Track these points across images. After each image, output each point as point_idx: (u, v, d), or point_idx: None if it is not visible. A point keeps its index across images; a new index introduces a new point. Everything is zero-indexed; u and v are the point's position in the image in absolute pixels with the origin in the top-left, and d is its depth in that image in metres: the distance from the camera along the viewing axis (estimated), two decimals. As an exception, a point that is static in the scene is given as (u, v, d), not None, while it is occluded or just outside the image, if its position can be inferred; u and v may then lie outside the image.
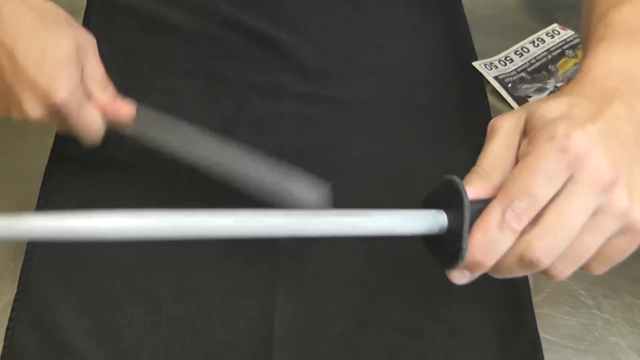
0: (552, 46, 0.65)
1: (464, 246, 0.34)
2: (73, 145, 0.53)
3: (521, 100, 0.60)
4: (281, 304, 0.46)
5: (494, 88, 0.61)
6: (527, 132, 0.36)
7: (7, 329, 0.44)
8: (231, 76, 0.58)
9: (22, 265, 0.46)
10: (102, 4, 0.62)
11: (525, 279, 0.48)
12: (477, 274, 0.36)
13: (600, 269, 0.36)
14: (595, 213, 0.33)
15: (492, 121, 0.37)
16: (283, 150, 0.53)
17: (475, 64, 0.62)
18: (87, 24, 0.61)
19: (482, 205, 0.35)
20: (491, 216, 0.34)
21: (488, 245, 0.34)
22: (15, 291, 0.45)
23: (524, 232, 0.34)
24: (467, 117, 0.57)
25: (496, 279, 0.48)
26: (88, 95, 0.44)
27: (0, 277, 0.47)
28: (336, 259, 0.48)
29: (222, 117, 0.55)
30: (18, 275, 0.46)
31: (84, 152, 0.51)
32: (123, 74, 0.57)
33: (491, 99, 0.60)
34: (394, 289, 0.47)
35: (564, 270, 0.35)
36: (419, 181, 0.52)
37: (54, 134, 0.53)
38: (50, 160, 0.52)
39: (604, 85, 0.37)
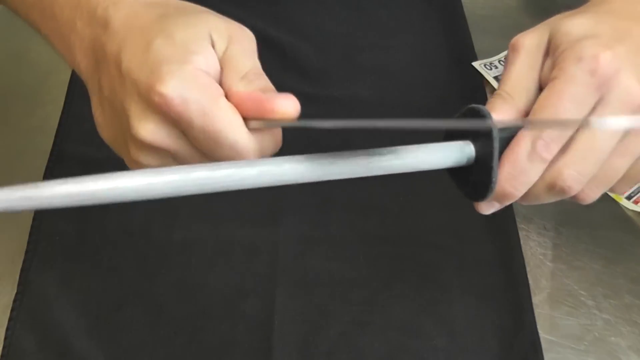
0: (552, 46, 0.65)
1: (493, 179, 0.33)
2: (73, 145, 0.53)
3: (521, 100, 0.60)
4: (281, 304, 0.46)
5: (493, 88, 0.61)
6: (551, 50, 0.34)
7: (7, 329, 0.44)
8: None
9: (22, 265, 0.46)
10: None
11: (525, 279, 0.48)
12: (506, 204, 0.35)
13: (625, 189, 0.36)
14: (624, 135, 0.32)
15: (513, 39, 0.36)
16: (283, 150, 0.53)
17: (475, 64, 0.62)
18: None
19: (509, 133, 0.33)
20: (520, 147, 0.33)
21: (518, 177, 0.33)
22: (15, 291, 0.45)
23: (553, 159, 0.33)
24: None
25: (496, 280, 0.48)
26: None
27: (0, 277, 0.47)
28: (336, 259, 0.48)
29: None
30: (18, 275, 0.46)
31: (84, 152, 0.51)
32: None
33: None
34: (394, 289, 0.47)
35: (592, 194, 0.34)
36: (418, 181, 0.52)
37: (54, 134, 0.53)
38: (50, 160, 0.52)
39: (630, 2, 0.35)
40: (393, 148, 0.35)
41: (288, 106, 0.33)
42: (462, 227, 0.50)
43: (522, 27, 0.69)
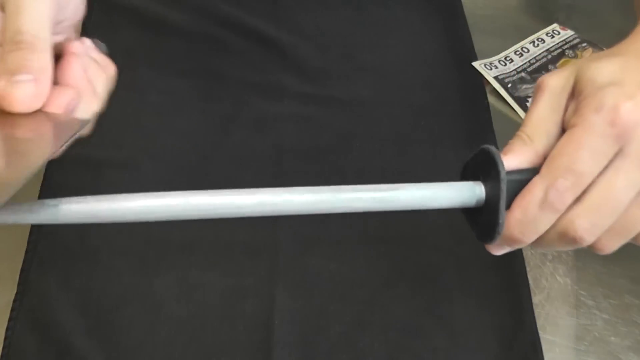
0: (552, 46, 0.65)
1: (500, 221, 0.33)
2: (73, 146, 0.53)
3: (521, 101, 0.60)
4: (281, 304, 0.46)
5: (493, 88, 0.61)
6: (575, 94, 0.34)
7: (7, 329, 0.44)
8: (231, 76, 0.58)
9: (22, 265, 0.46)
10: (102, 4, 0.62)
11: (525, 279, 0.48)
12: (517, 247, 0.35)
13: None
14: None
15: (539, 79, 0.35)
16: (283, 150, 0.53)
17: (475, 64, 0.62)
18: (87, 23, 0.61)
19: (523, 176, 0.33)
20: (532, 194, 0.32)
21: (527, 224, 0.33)
22: (15, 291, 0.45)
23: (567, 208, 0.32)
24: (467, 117, 0.57)
25: (496, 280, 0.48)
26: None
27: (0, 277, 0.47)
28: (336, 259, 0.48)
29: (222, 117, 0.55)
30: (18, 275, 0.46)
31: (84, 152, 0.51)
32: (123, 73, 0.57)
33: (491, 99, 0.60)
34: (394, 289, 0.47)
35: (610, 245, 0.34)
36: (418, 181, 0.52)
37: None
38: (50, 161, 0.52)
39: None
40: (401, 185, 0.34)
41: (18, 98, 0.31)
42: (462, 228, 0.50)
43: (522, 27, 0.69)
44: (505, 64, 0.63)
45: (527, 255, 0.50)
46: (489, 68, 0.62)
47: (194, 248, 0.48)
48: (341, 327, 0.45)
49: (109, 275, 0.46)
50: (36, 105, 0.32)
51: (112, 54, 0.60)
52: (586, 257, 0.50)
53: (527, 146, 0.34)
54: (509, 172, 0.33)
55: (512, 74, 0.62)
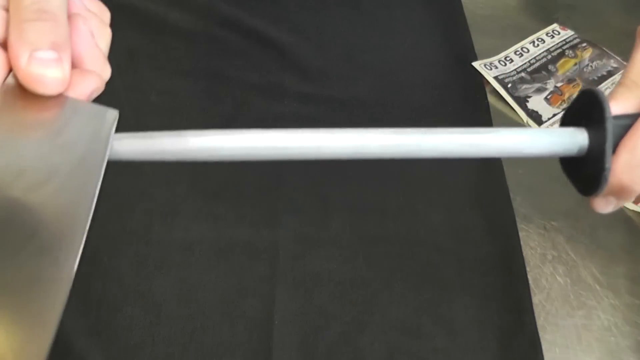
0: (552, 46, 0.65)
1: (606, 165, 0.30)
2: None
3: (521, 101, 0.60)
4: (281, 304, 0.46)
5: (493, 88, 0.61)
6: None
7: (7, 329, 0.44)
8: (231, 76, 0.58)
9: (22, 265, 0.46)
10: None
11: (525, 279, 0.48)
12: (625, 201, 0.32)
13: None
14: None
15: None
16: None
17: (475, 64, 0.62)
18: (87, 24, 0.61)
19: (630, 121, 0.30)
20: None
21: (636, 167, 0.30)
22: (15, 291, 0.45)
23: None
24: (467, 117, 0.57)
25: (496, 280, 0.48)
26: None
27: (0, 277, 0.47)
28: (336, 259, 0.48)
29: (222, 117, 0.55)
30: (18, 275, 0.46)
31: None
32: (123, 74, 0.57)
33: (491, 99, 0.60)
34: (394, 289, 0.47)
35: None
36: (418, 181, 0.52)
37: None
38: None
39: None
40: (495, 128, 0.31)
41: (40, 79, 0.28)
42: (462, 227, 0.50)
43: (522, 27, 0.69)
44: (505, 64, 0.63)
45: (527, 255, 0.50)
46: (489, 68, 0.62)
47: (194, 248, 0.48)
48: (341, 327, 0.45)
49: (109, 275, 0.46)
50: (61, 89, 0.29)
51: (112, 55, 0.60)
52: (586, 257, 0.50)
53: (631, 92, 0.32)
54: (615, 117, 0.30)
55: (512, 74, 0.62)
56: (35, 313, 0.26)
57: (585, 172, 0.32)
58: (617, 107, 0.31)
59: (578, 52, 0.64)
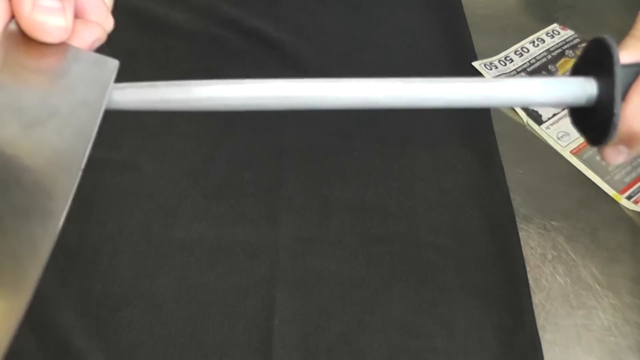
0: (552, 46, 0.65)
1: (615, 111, 0.29)
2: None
3: (521, 100, 0.60)
4: (281, 304, 0.46)
5: (494, 88, 0.61)
6: None
7: (7, 329, 0.44)
8: (231, 76, 0.58)
9: (22, 265, 0.46)
10: (102, 4, 0.62)
11: (525, 279, 0.48)
12: (635, 150, 0.31)
13: None
14: None
15: None
16: (283, 150, 0.53)
17: (475, 64, 0.62)
18: (87, 24, 0.61)
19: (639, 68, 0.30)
20: None
21: None
22: (15, 291, 0.45)
23: None
24: (467, 117, 0.57)
25: (496, 280, 0.48)
26: None
27: (0, 277, 0.47)
28: (336, 259, 0.48)
29: (222, 117, 0.55)
30: (18, 275, 0.46)
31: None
32: (123, 74, 0.57)
33: (491, 99, 0.60)
34: (394, 289, 0.47)
35: None
36: (418, 181, 0.52)
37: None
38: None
39: None
40: (502, 79, 0.31)
41: (43, 25, 0.28)
42: (462, 227, 0.50)
43: (522, 27, 0.69)
44: (505, 64, 0.63)
45: (527, 255, 0.50)
46: (489, 68, 0.62)
47: (194, 248, 0.48)
48: (341, 327, 0.45)
49: (109, 275, 0.46)
50: (63, 37, 0.29)
51: (112, 55, 0.60)
52: (586, 257, 0.50)
53: None
54: (625, 65, 0.30)
55: (512, 74, 0.62)
56: (21, 250, 0.27)
57: (595, 121, 0.31)
58: (628, 56, 0.31)
59: (578, 52, 0.64)
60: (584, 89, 0.31)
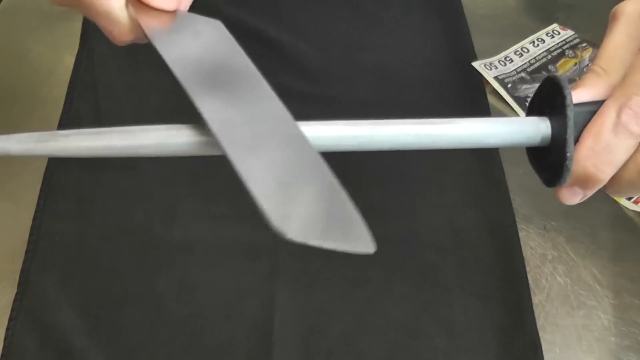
0: (552, 46, 0.65)
1: (568, 154, 0.29)
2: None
3: (521, 101, 0.60)
4: (281, 304, 0.46)
5: (493, 88, 0.61)
6: None
7: (7, 329, 0.44)
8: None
9: (22, 265, 0.46)
10: (102, 4, 0.62)
11: (525, 279, 0.48)
12: (591, 191, 0.31)
13: None
14: None
15: (614, 8, 0.32)
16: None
17: (475, 64, 0.62)
18: (87, 24, 0.61)
19: (595, 107, 0.29)
20: (604, 118, 0.28)
21: (601, 154, 0.28)
22: (15, 291, 0.45)
23: None
24: (467, 117, 0.57)
25: (496, 280, 0.48)
26: None
27: (0, 277, 0.47)
28: (336, 259, 0.48)
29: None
30: (18, 275, 0.46)
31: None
32: (123, 73, 0.57)
33: (491, 99, 0.60)
34: (394, 289, 0.47)
35: None
36: (418, 182, 0.52)
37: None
38: (50, 161, 0.52)
39: None
40: (454, 119, 0.31)
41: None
42: (462, 227, 0.50)
43: (522, 27, 0.69)
44: (505, 64, 0.63)
45: (527, 255, 0.50)
46: (489, 68, 0.62)
47: (194, 248, 0.48)
48: (341, 327, 0.45)
49: (109, 275, 0.46)
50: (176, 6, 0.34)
51: (112, 55, 0.60)
52: (586, 257, 0.50)
53: (600, 78, 0.30)
54: (580, 104, 0.29)
55: (512, 74, 0.62)
56: None
57: (549, 161, 0.31)
58: (586, 93, 0.30)
59: (578, 52, 0.64)
60: (538, 128, 0.30)
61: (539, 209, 0.52)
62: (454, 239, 0.49)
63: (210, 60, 0.33)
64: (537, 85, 0.61)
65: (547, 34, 0.66)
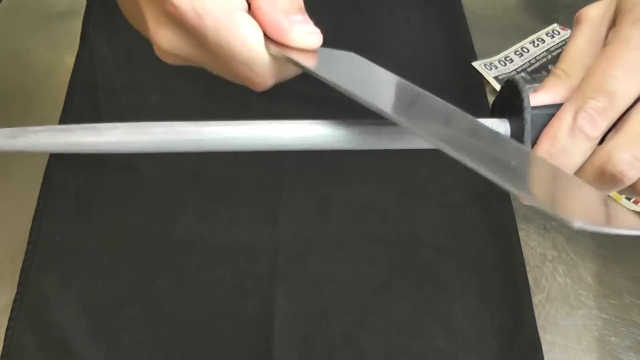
0: (552, 46, 0.65)
1: None
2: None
3: (521, 100, 0.60)
4: (281, 304, 0.46)
5: (493, 88, 0.61)
6: (616, 21, 0.31)
7: (7, 329, 0.44)
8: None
9: (22, 265, 0.46)
10: (102, 4, 0.62)
11: (525, 279, 0.48)
12: None
13: None
14: None
15: (578, 12, 0.32)
16: (283, 150, 0.53)
17: (475, 64, 0.62)
18: (87, 23, 0.61)
19: (554, 110, 0.29)
20: (561, 121, 0.29)
21: (557, 156, 0.29)
22: (15, 291, 0.45)
23: (604, 140, 0.29)
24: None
25: (496, 280, 0.48)
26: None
27: (0, 277, 0.47)
28: (336, 259, 0.48)
29: (222, 117, 0.55)
30: (18, 275, 0.46)
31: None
32: (123, 74, 0.57)
33: (491, 99, 0.60)
34: (394, 289, 0.47)
35: None
36: (418, 181, 0.52)
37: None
38: (50, 161, 0.52)
39: None
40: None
41: (307, 39, 0.31)
42: (462, 227, 0.50)
43: (522, 27, 0.69)
44: (505, 64, 0.63)
45: (527, 255, 0.50)
46: (489, 68, 0.62)
47: (194, 248, 0.48)
48: (341, 327, 0.45)
49: (109, 275, 0.46)
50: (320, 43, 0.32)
51: (112, 55, 0.60)
52: (586, 257, 0.50)
53: (561, 81, 0.31)
54: (539, 107, 0.29)
55: (512, 74, 0.62)
56: None
57: None
58: (546, 96, 0.30)
59: (578, 52, 0.64)
60: (497, 130, 0.31)
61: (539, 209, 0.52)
62: (454, 239, 0.49)
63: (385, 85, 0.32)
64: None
65: (547, 34, 0.66)
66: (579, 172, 0.30)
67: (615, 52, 0.28)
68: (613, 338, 0.46)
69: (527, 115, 0.29)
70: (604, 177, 0.29)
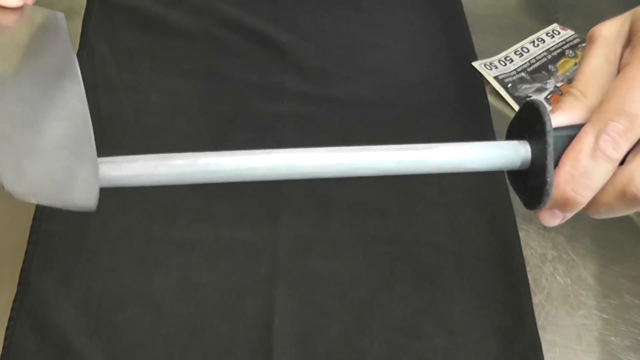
0: (552, 46, 0.65)
1: (548, 179, 0.29)
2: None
3: (521, 101, 0.60)
4: (281, 304, 0.46)
5: (493, 88, 0.61)
6: (631, 41, 0.31)
7: (7, 329, 0.44)
8: (231, 76, 0.58)
9: (22, 265, 0.46)
10: (102, 4, 0.62)
11: (525, 279, 0.48)
12: (571, 213, 0.32)
13: None
14: None
15: (591, 30, 0.32)
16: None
17: (475, 64, 0.62)
18: (87, 24, 0.61)
19: (574, 132, 0.30)
20: (582, 143, 0.29)
21: (579, 178, 0.29)
22: (15, 291, 0.45)
23: (626, 161, 0.29)
24: (467, 117, 0.57)
25: (496, 280, 0.48)
26: None
27: (0, 277, 0.47)
28: (336, 259, 0.48)
29: (222, 117, 0.55)
30: (18, 275, 0.46)
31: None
32: (123, 74, 0.57)
33: (491, 99, 0.60)
34: (394, 289, 0.47)
35: None
36: (418, 181, 0.52)
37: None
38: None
39: None
40: (436, 144, 0.31)
41: None
42: (462, 227, 0.50)
43: (522, 27, 0.69)
44: (505, 64, 0.63)
45: (527, 255, 0.50)
46: (489, 68, 0.62)
47: (194, 248, 0.48)
48: (341, 327, 0.45)
49: (109, 275, 0.46)
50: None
51: (112, 55, 0.60)
52: (586, 257, 0.50)
53: (579, 102, 0.31)
54: (559, 128, 0.30)
55: (512, 74, 0.62)
56: None
57: (529, 185, 0.32)
58: (564, 117, 0.31)
59: (578, 52, 0.64)
60: (518, 153, 0.31)
61: (539, 209, 0.52)
62: (454, 239, 0.49)
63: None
64: (537, 85, 0.61)
65: (547, 34, 0.66)
66: (600, 193, 0.30)
67: (636, 74, 0.28)
68: (613, 338, 0.46)
69: (550, 139, 0.29)
70: (625, 198, 0.29)
